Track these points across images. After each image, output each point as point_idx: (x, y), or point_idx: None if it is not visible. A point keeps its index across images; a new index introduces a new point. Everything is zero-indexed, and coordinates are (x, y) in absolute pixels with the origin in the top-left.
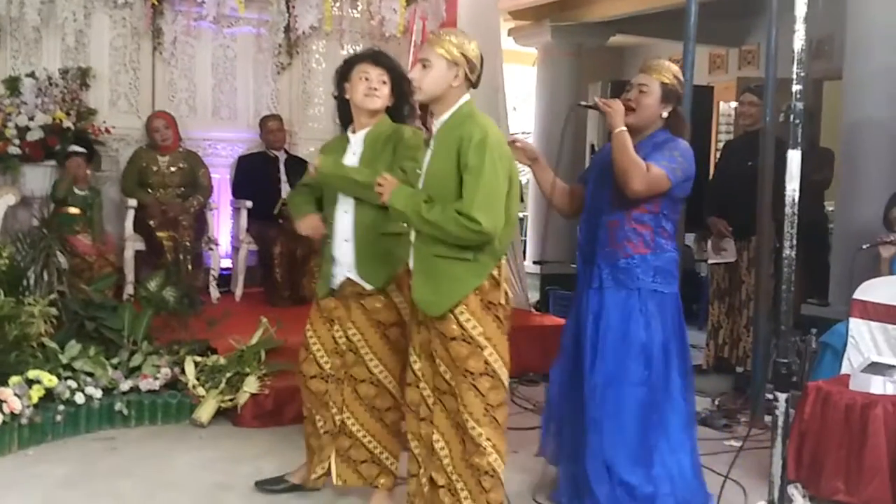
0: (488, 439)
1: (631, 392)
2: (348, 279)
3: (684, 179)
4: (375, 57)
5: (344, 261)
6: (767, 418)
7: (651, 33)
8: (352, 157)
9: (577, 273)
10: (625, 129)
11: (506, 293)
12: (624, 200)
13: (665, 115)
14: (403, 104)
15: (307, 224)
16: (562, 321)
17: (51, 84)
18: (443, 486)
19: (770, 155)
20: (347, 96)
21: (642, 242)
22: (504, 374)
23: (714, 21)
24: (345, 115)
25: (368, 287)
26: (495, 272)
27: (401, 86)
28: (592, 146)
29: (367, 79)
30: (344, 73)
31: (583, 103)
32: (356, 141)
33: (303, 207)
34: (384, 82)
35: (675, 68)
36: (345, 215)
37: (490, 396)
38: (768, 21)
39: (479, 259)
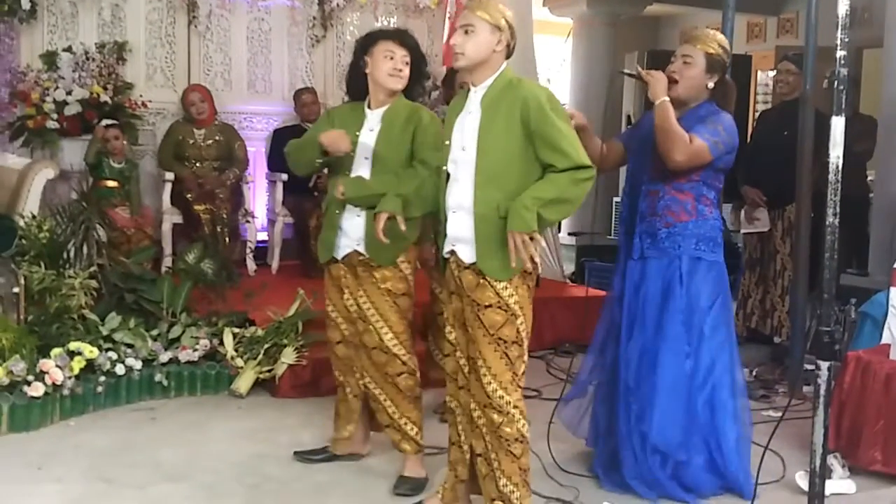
0: (516, 406)
1: (670, 360)
2: (355, 251)
3: (726, 152)
4: (402, 36)
5: (353, 234)
6: (806, 388)
7: (688, 2)
8: (369, 133)
9: (619, 244)
10: (667, 99)
11: (533, 261)
12: (664, 170)
13: (711, 85)
14: (418, 85)
15: (332, 137)
16: (598, 292)
17: (87, 58)
18: (480, 455)
19: (809, 123)
20: (367, 70)
21: (683, 210)
22: (526, 344)
23: None
24: (357, 86)
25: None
26: None
27: (419, 67)
28: (629, 116)
29: (391, 58)
30: (366, 47)
31: (625, 71)
32: (374, 117)
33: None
34: (407, 63)
35: (721, 37)
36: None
37: (517, 365)
38: None
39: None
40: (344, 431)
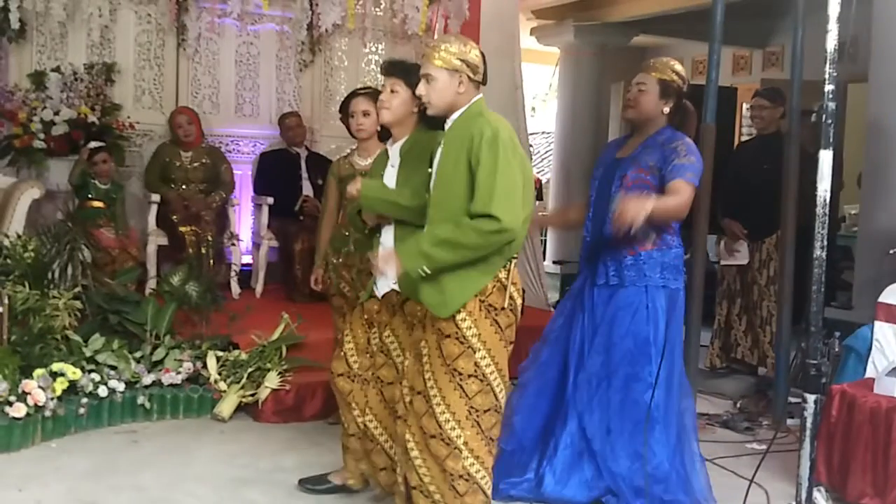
0: (466, 443)
1: (630, 386)
2: (393, 290)
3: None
4: (385, 68)
5: (391, 274)
6: (790, 421)
7: (674, 34)
8: (390, 170)
9: (580, 268)
10: (650, 206)
11: (512, 298)
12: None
13: (666, 111)
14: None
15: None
16: None
17: (76, 79)
18: (415, 488)
19: (794, 157)
20: None
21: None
22: (496, 381)
23: (738, 22)
24: (386, 128)
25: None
26: (502, 275)
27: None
28: None
29: (383, 89)
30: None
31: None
32: (393, 153)
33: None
34: (394, 91)
35: (678, 66)
36: (388, 227)
37: (476, 400)
38: (794, 22)
39: (490, 259)
40: (345, 463)
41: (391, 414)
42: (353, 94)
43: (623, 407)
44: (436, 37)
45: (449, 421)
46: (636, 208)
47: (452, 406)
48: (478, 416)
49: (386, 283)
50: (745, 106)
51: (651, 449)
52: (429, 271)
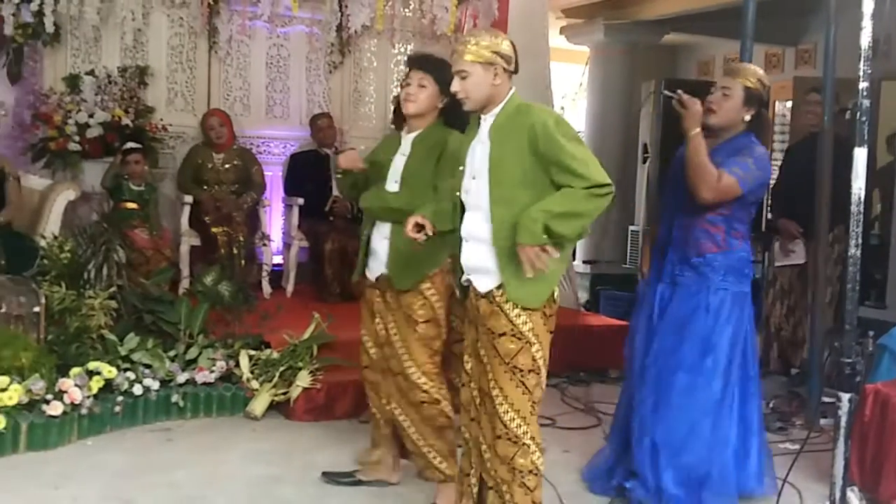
0: (532, 437)
1: (689, 385)
2: (384, 274)
3: (757, 185)
4: (415, 61)
5: (381, 257)
6: (823, 421)
7: (706, 31)
8: (400, 158)
9: (651, 267)
10: (699, 131)
11: (553, 291)
12: (696, 203)
13: (747, 118)
14: (458, 106)
15: (345, 157)
16: (612, 321)
17: (110, 82)
18: (492, 488)
19: (828, 155)
20: None
21: (713, 243)
22: (544, 373)
23: (770, 19)
24: (398, 113)
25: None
26: None
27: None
28: (645, 145)
29: (408, 84)
30: (406, 74)
31: (666, 92)
32: (406, 143)
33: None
34: (422, 86)
35: (761, 72)
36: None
37: (536, 393)
38: (827, 19)
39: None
40: (372, 456)
41: (408, 403)
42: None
43: (682, 405)
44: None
45: (514, 419)
46: (694, 116)
47: (516, 404)
48: (535, 408)
49: (378, 268)
50: (777, 104)
51: (709, 445)
52: (552, 250)
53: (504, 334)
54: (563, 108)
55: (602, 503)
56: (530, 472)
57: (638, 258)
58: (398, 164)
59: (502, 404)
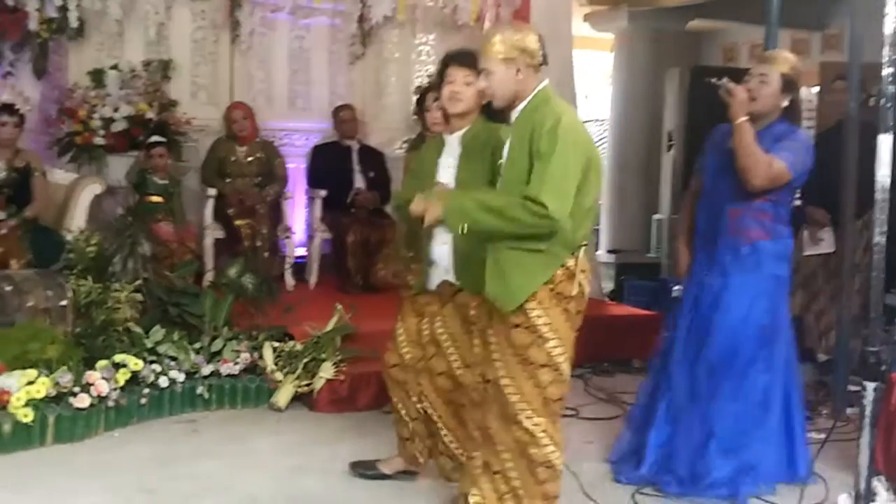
0: (545, 431)
1: (748, 372)
2: (445, 281)
3: (803, 172)
4: (457, 58)
5: (441, 263)
6: (849, 410)
7: (731, 17)
8: (447, 160)
9: (694, 258)
10: (747, 119)
11: (580, 286)
12: (746, 190)
13: (785, 104)
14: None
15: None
16: (637, 311)
17: (134, 76)
18: (498, 472)
19: (853, 142)
20: None
21: (763, 230)
22: (567, 370)
23: (796, 4)
24: (423, 108)
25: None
26: (570, 263)
27: None
28: (670, 133)
29: (451, 82)
30: (440, 72)
31: (713, 80)
32: (452, 143)
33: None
34: (468, 83)
35: (794, 59)
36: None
37: (550, 389)
38: (852, 4)
39: (552, 250)
40: (419, 455)
41: (444, 403)
42: (430, 89)
43: (738, 393)
44: (486, 25)
45: (525, 410)
46: (741, 104)
47: (527, 395)
48: (553, 405)
49: (439, 276)
50: (803, 90)
51: (765, 433)
52: (465, 231)
53: (518, 326)
54: (587, 96)
55: (624, 493)
56: (542, 464)
57: (662, 248)
58: (445, 165)
59: (514, 394)
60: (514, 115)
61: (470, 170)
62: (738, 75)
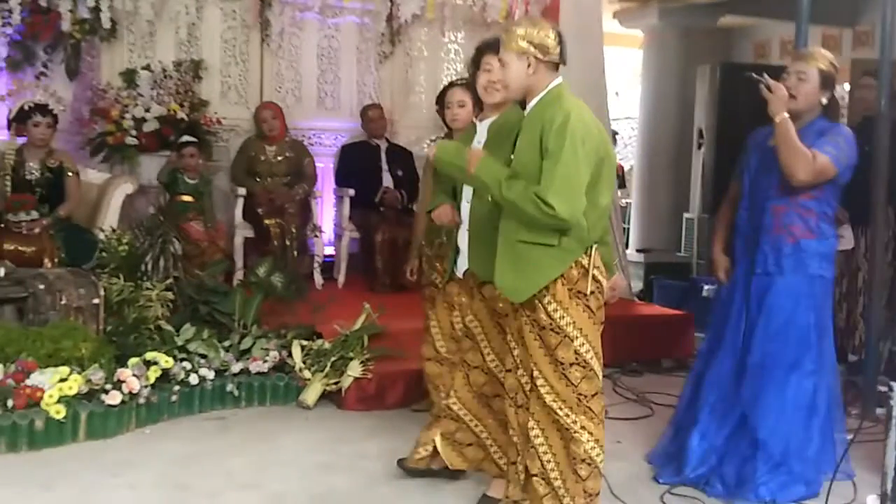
0: (583, 427)
1: (793, 375)
2: (470, 269)
3: (848, 167)
4: (496, 46)
5: (465, 250)
6: (879, 410)
7: (762, 13)
8: (476, 147)
9: (736, 258)
10: (787, 116)
11: (597, 281)
12: (790, 186)
13: (824, 101)
14: None
15: (438, 213)
16: (666, 310)
17: (165, 76)
18: (535, 475)
19: (885, 139)
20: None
21: (808, 228)
22: (597, 365)
23: (827, 0)
24: (444, 103)
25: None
26: (584, 260)
27: None
28: (700, 131)
29: (488, 70)
30: (475, 61)
31: (753, 75)
32: (481, 130)
33: (437, 197)
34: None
35: (831, 55)
36: (466, 205)
37: (582, 386)
38: (884, 0)
39: (564, 245)
40: (422, 450)
41: (475, 397)
42: (451, 85)
43: (783, 399)
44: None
45: (562, 409)
46: (781, 101)
47: (562, 395)
48: (587, 401)
49: (464, 263)
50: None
51: (810, 436)
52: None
53: (545, 328)
54: (617, 94)
55: (652, 494)
56: (583, 461)
57: (693, 247)
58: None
59: (549, 393)
60: (527, 111)
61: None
62: (770, 72)
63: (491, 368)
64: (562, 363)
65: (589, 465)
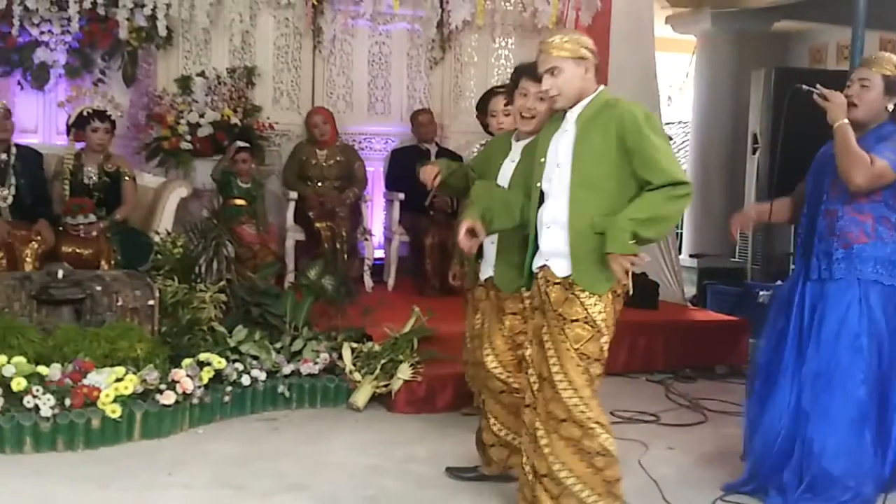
0: (597, 422)
1: (845, 386)
2: (491, 277)
3: None
4: (534, 72)
5: (489, 259)
6: None
7: (818, 18)
8: (509, 164)
9: (796, 264)
10: (846, 121)
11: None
12: (844, 190)
13: (890, 107)
14: None
15: (424, 171)
16: (720, 316)
17: (219, 83)
18: (546, 475)
19: None
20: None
21: (863, 232)
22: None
23: (884, 5)
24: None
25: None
26: None
27: None
28: (755, 135)
29: (524, 95)
30: (515, 80)
31: (805, 87)
32: (517, 150)
33: (470, 209)
34: (542, 99)
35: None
36: (490, 240)
37: (596, 382)
38: None
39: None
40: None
41: (490, 396)
42: (493, 93)
43: (837, 409)
44: (566, 28)
45: (578, 405)
46: (839, 107)
47: (580, 390)
48: (596, 394)
49: (486, 270)
50: None
51: (863, 448)
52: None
53: (577, 321)
54: (669, 99)
55: (703, 500)
56: (598, 453)
57: (747, 252)
58: (507, 170)
59: (567, 389)
60: (574, 111)
61: (522, 176)
62: (825, 77)
63: (486, 364)
64: (588, 357)
65: (603, 455)
